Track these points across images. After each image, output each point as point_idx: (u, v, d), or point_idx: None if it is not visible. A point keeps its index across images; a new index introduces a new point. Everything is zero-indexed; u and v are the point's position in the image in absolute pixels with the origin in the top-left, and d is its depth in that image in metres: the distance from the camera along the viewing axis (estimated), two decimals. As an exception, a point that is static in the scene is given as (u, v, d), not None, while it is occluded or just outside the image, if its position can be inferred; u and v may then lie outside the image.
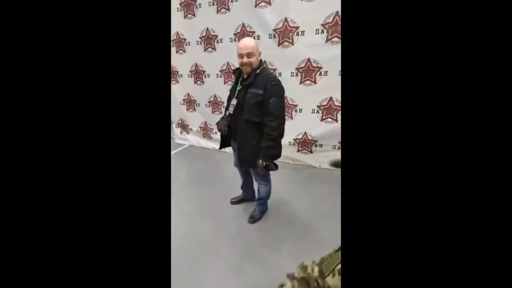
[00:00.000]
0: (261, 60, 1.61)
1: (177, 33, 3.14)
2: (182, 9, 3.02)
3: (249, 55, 1.54)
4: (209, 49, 3.05)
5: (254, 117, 1.57)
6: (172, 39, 3.07)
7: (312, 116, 2.70)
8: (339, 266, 0.33)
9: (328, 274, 0.36)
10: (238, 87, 1.66)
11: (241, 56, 1.55)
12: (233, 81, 1.77)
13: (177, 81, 3.43)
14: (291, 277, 0.38)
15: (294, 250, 1.68)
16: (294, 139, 2.88)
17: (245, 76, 1.62)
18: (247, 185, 2.14)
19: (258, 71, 1.56)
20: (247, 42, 1.57)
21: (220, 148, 1.89)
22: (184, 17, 3.03)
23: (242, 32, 2.81)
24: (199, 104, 3.42)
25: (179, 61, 3.29)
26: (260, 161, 1.61)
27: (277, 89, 1.53)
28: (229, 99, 1.73)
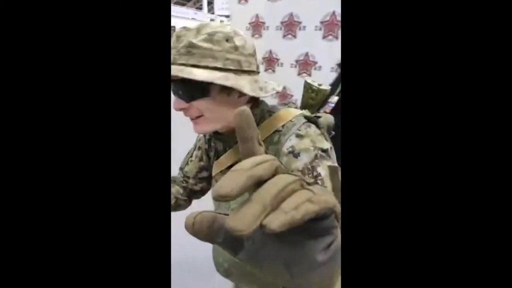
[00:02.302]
0: None
1: (257, 15, 3.10)
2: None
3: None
4: (289, 36, 2.82)
5: None
6: (250, 22, 3.07)
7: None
8: None
9: None
10: None
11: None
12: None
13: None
14: None
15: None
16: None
17: None
18: None
19: None
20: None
21: None
22: (268, -1, 2.93)
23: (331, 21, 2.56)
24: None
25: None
26: None
27: None
28: None
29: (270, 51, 3.05)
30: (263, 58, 3.12)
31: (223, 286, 1.16)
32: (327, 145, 0.59)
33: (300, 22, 2.75)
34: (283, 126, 0.62)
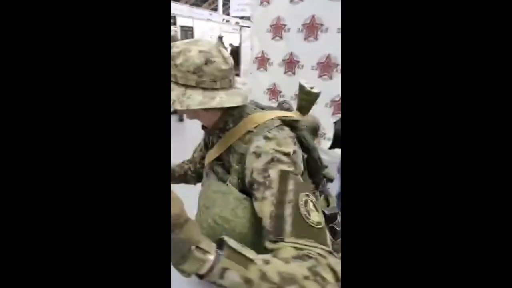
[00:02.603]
0: None
1: (278, 17, 3.08)
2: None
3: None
4: (310, 38, 2.80)
5: None
6: (271, 24, 3.05)
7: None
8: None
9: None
10: None
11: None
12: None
13: (265, 69, 3.38)
14: None
15: None
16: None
17: None
18: None
19: None
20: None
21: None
22: (290, 1, 2.90)
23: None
24: (283, 95, 3.28)
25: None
26: None
27: None
28: None
29: (291, 54, 3.03)
30: (283, 60, 3.09)
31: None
32: (291, 148, 0.63)
33: (322, 24, 2.71)
34: (255, 127, 0.67)
